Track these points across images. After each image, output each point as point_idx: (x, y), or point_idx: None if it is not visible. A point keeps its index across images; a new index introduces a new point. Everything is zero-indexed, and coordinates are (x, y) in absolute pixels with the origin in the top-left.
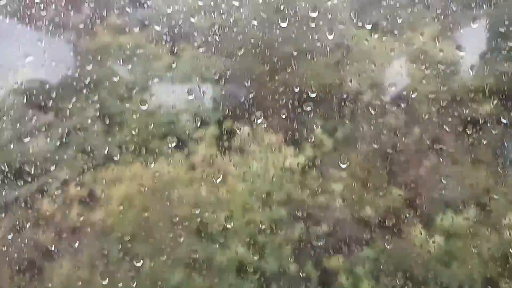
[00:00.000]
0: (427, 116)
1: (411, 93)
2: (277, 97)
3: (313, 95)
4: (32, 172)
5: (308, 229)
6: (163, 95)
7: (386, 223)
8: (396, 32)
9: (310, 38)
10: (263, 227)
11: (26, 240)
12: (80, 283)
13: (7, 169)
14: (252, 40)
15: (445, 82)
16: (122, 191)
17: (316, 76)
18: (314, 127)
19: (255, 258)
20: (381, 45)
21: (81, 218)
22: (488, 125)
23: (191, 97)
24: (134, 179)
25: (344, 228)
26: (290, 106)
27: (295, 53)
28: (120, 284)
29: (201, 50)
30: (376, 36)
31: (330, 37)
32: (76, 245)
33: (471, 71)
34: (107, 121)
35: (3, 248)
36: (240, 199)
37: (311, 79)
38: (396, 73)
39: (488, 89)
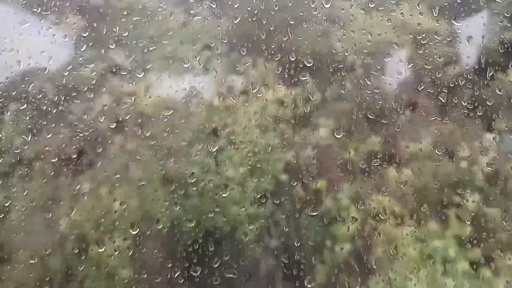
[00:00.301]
0: (422, 87)
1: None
2: (273, 66)
3: (309, 64)
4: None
5: (298, 156)
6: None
7: (366, 163)
8: (393, 2)
9: (307, 6)
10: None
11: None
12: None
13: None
14: (249, 8)
15: (441, 54)
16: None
17: (311, 45)
18: (310, 96)
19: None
20: (377, 15)
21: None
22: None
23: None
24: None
25: (329, 164)
26: (286, 74)
27: (292, 22)
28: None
29: (196, 18)
30: (372, 5)
31: (327, 6)
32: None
33: (467, 42)
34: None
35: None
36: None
37: (307, 48)
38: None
39: (484, 60)
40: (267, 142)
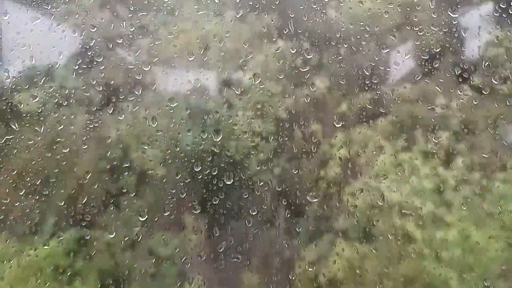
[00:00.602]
0: (419, 78)
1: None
2: (274, 58)
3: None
4: None
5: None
6: None
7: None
8: None
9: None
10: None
11: None
12: None
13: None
14: (251, 2)
15: (437, 45)
16: None
17: (312, 37)
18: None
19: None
20: (375, 7)
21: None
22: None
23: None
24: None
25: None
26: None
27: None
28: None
29: (200, 13)
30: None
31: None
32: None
33: (463, 34)
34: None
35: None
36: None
37: (307, 40)
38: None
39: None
40: (270, 89)
